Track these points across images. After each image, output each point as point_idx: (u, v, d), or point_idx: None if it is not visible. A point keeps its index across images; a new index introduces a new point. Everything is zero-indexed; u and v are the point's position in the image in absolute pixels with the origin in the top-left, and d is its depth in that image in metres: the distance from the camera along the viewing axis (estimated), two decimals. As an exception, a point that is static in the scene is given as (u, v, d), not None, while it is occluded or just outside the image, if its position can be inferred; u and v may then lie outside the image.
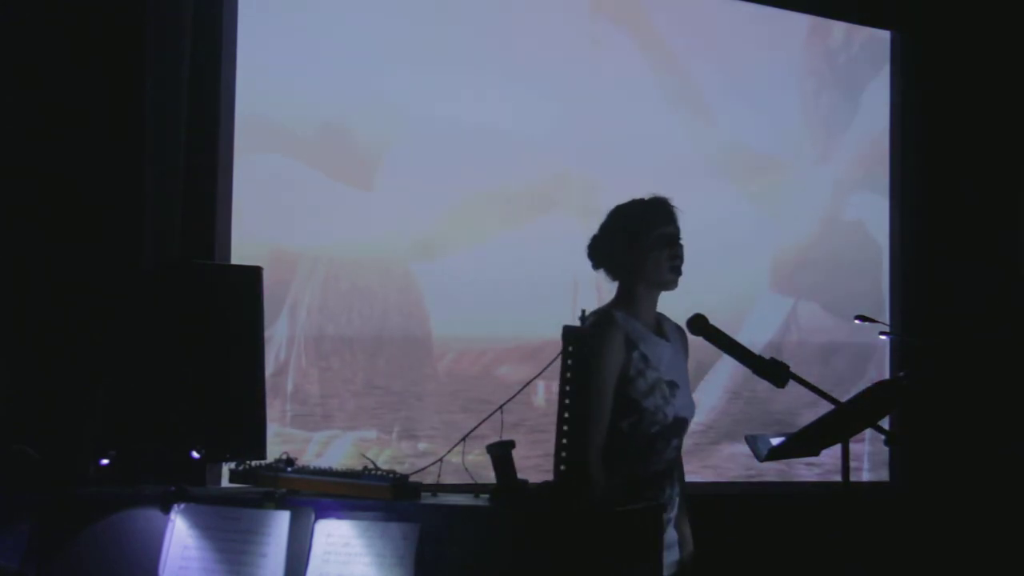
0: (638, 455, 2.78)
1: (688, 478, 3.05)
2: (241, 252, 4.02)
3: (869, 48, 5.58)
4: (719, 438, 4.97)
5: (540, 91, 4.68)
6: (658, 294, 2.88)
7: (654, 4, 5.02)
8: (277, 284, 4.12)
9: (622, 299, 2.87)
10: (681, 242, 2.86)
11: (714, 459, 4.96)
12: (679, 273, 2.85)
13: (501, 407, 2.60)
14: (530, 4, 4.74)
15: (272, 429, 3.99)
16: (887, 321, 5.17)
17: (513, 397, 2.63)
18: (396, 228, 4.39)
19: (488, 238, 4.48)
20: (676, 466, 2.88)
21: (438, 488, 2.50)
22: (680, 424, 2.82)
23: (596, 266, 2.91)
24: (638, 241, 2.82)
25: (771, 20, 5.29)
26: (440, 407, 4.36)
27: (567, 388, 2.29)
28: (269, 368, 4.07)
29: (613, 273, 2.89)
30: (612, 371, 2.71)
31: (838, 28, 5.50)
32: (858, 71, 5.55)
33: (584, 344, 2.28)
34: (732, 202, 5.12)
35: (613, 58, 4.88)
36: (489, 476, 2.57)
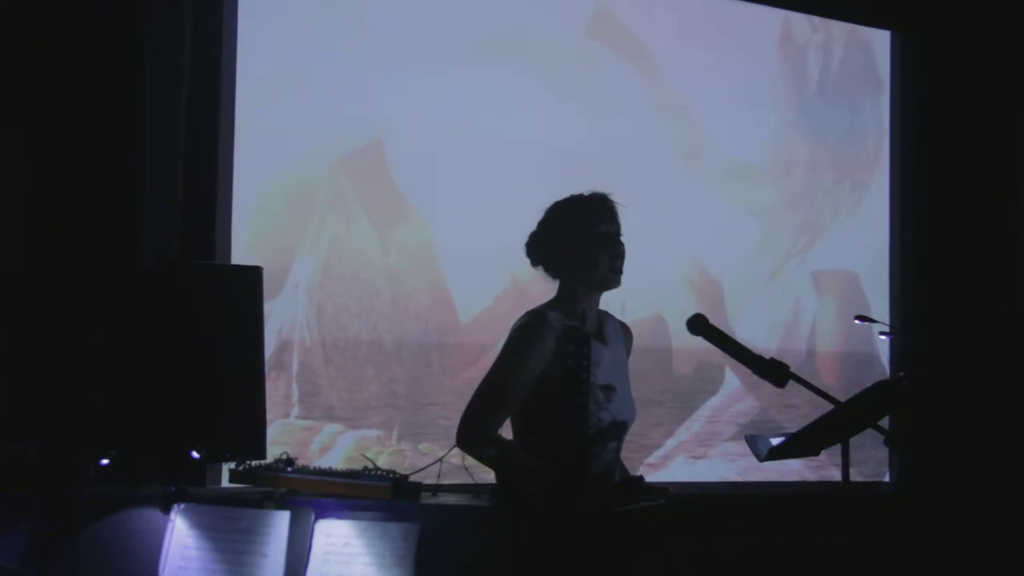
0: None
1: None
2: (245, 250, 4.01)
3: (868, 49, 5.58)
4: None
5: (545, 100, 4.69)
6: (600, 294, 2.75)
7: (652, 12, 5.02)
8: (281, 281, 4.13)
9: (561, 299, 2.72)
10: (622, 240, 2.72)
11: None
12: (620, 272, 2.71)
13: (501, 407, 2.61)
14: (534, 8, 4.75)
15: (276, 426, 4.02)
16: (887, 321, 5.17)
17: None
18: (399, 228, 4.39)
19: (490, 238, 4.49)
20: (615, 468, 2.75)
21: (438, 488, 2.50)
22: (618, 427, 2.69)
23: (535, 263, 2.75)
24: (578, 239, 2.68)
25: (770, 23, 5.29)
26: (440, 407, 4.36)
27: (566, 387, 2.28)
28: (270, 365, 4.08)
29: (552, 272, 2.75)
30: (531, 368, 2.57)
31: (837, 29, 5.50)
32: (858, 71, 5.54)
33: (583, 343, 2.28)
34: (732, 205, 5.13)
35: (609, 69, 4.89)
36: (489, 476, 2.58)
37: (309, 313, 4.21)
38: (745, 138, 5.19)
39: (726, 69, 5.16)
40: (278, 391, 4.10)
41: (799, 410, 4.92)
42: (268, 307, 4.03)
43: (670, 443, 4.83)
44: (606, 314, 2.81)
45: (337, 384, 4.23)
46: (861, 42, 5.56)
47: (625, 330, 2.86)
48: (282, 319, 4.16)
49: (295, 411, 4.14)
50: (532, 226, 2.77)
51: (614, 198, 2.75)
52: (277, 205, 4.18)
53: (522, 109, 4.63)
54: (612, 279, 2.71)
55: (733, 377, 4.97)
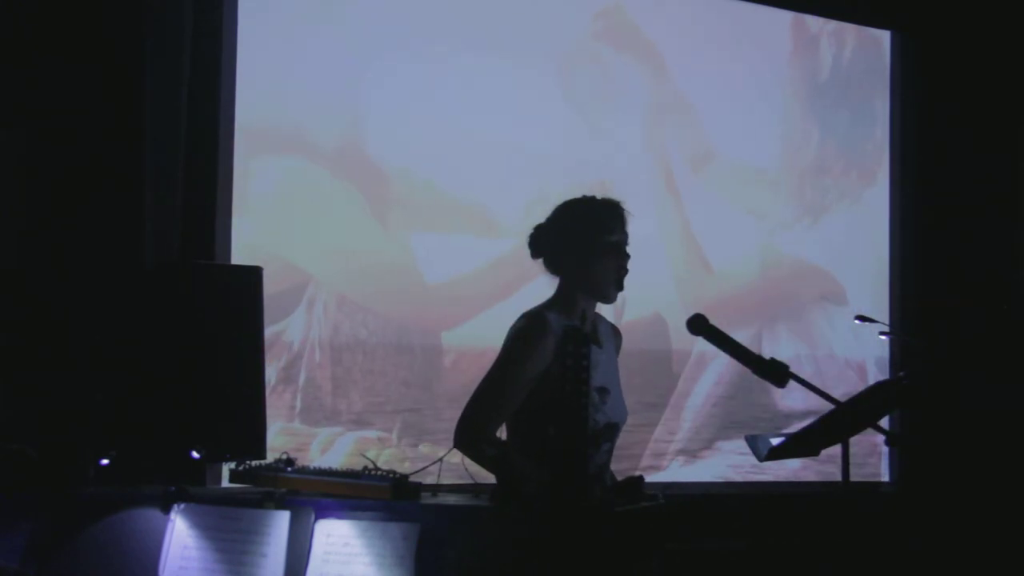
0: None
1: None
2: (251, 253, 4.02)
3: (868, 50, 5.59)
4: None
5: (549, 104, 4.70)
6: (597, 301, 2.75)
7: (651, 14, 5.02)
8: (291, 286, 4.15)
9: (559, 300, 2.70)
10: (628, 251, 2.71)
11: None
12: (622, 288, 2.71)
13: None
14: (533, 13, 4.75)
15: (277, 425, 4.02)
16: (887, 321, 5.17)
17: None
18: (404, 231, 4.39)
19: (492, 241, 4.49)
20: (607, 470, 2.73)
21: (438, 488, 2.50)
22: (611, 429, 2.67)
23: (535, 255, 2.74)
24: (584, 246, 2.67)
25: (771, 24, 5.30)
26: (440, 407, 4.36)
27: (565, 388, 2.28)
28: (280, 364, 4.09)
29: (552, 268, 2.73)
30: (531, 369, 2.57)
31: (837, 29, 5.50)
32: (857, 72, 5.54)
33: (583, 343, 2.28)
34: (731, 206, 5.14)
35: (613, 68, 4.90)
36: (489, 476, 2.58)
37: (321, 321, 4.22)
38: (750, 135, 5.19)
39: (733, 59, 5.15)
40: (283, 402, 4.12)
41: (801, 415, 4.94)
42: (281, 325, 4.06)
43: (669, 443, 4.83)
44: (598, 316, 2.81)
45: (343, 389, 4.24)
46: (873, 32, 5.56)
47: (615, 332, 2.85)
48: (292, 329, 4.17)
49: (297, 421, 4.15)
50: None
51: (625, 206, 2.74)
52: (279, 206, 4.18)
53: (526, 108, 4.63)
54: (612, 293, 2.71)
55: (731, 377, 4.97)
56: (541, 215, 2.76)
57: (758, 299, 5.16)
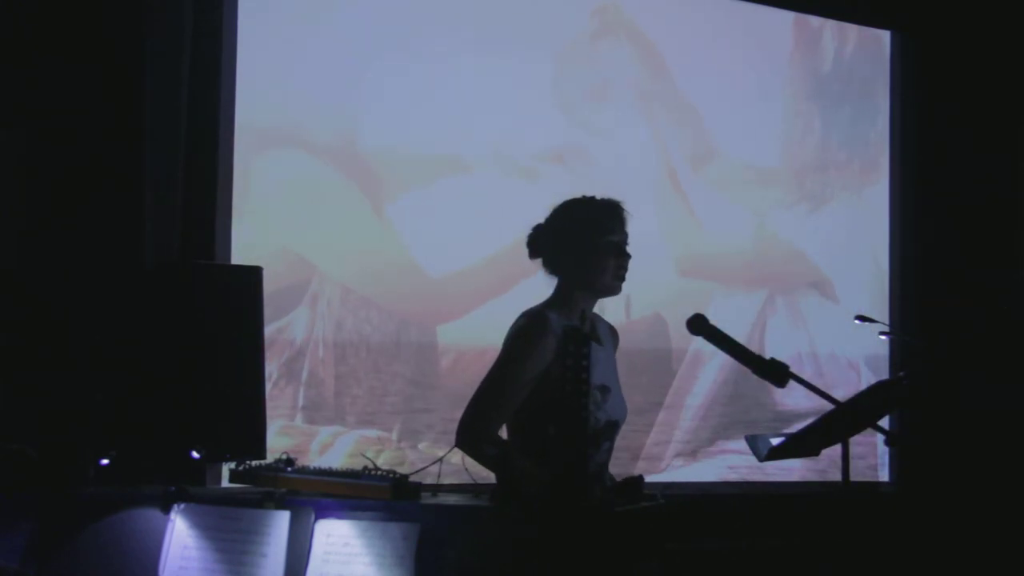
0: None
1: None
2: (252, 249, 4.02)
3: (870, 46, 5.58)
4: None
5: (549, 103, 4.70)
6: (597, 299, 2.76)
7: (650, 10, 5.02)
8: (294, 282, 4.15)
9: (558, 300, 2.71)
10: (628, 250, 2.72)
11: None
12: (622, 280, 2.72)
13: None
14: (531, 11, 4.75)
15: (278, 423, 4.02)
16: (887, 321, 5.16)
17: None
18: (406, 227, 4.39)
19: (493, 240, 4.49)
20: (607, 468, 2.73)
21: (438, 488, 2.50)
22: (611, 427, 2.68)
23: (534, 255, 2.75)
24: (584, 245, 2.68)
25: (772, 21, 5.29)
26: (441, 407, 4.36)
27: (565, 387, 2.28)
28: (281, 361, 4.09)
29: (551, 268, 2.74)
30: (531, 369, 2.57)
31: (837, 29, 5.50)
32: (860, 68, 5.54)
33: (583, 343, 2.28)
34: (729, 207, 5.13)
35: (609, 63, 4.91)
36: (489, 476, 2.58)
37: (325, 317, 4.22)
38: (751, 134, 5.18)
39: (733, 56, 5.14)
40: (285, 399, 4.12)
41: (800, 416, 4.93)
42: (284, 320, 4.07)
43: (669, 443, 4.83)
44: (596, 315, 2.81)
45: (343, 388, 4.24)
46: (863, 42, 5.56)
47: (612, 331, 2.86)
48: (295, 325, 4.17)
49: (299, 418, 4.16)
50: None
51: (625, 206, 2.74)
52: (280, 204, 4.19)
53: (525, 107, 4.63)
54: (614, 287, 2.72)
55: (729, 377, 4.97)
56: (540, 212, 2.77)
57: (756, 296, 5.16)
